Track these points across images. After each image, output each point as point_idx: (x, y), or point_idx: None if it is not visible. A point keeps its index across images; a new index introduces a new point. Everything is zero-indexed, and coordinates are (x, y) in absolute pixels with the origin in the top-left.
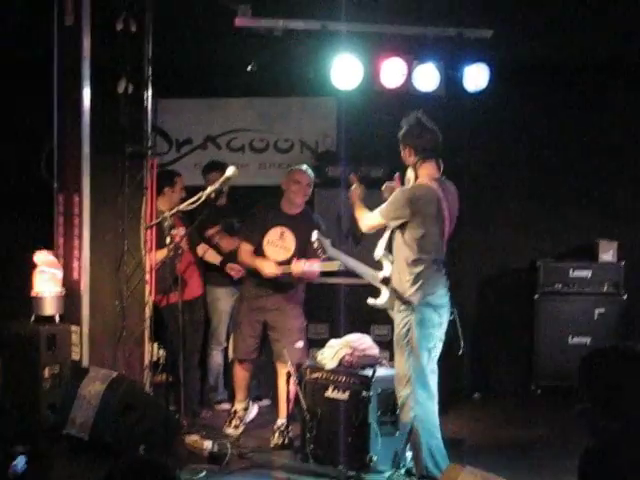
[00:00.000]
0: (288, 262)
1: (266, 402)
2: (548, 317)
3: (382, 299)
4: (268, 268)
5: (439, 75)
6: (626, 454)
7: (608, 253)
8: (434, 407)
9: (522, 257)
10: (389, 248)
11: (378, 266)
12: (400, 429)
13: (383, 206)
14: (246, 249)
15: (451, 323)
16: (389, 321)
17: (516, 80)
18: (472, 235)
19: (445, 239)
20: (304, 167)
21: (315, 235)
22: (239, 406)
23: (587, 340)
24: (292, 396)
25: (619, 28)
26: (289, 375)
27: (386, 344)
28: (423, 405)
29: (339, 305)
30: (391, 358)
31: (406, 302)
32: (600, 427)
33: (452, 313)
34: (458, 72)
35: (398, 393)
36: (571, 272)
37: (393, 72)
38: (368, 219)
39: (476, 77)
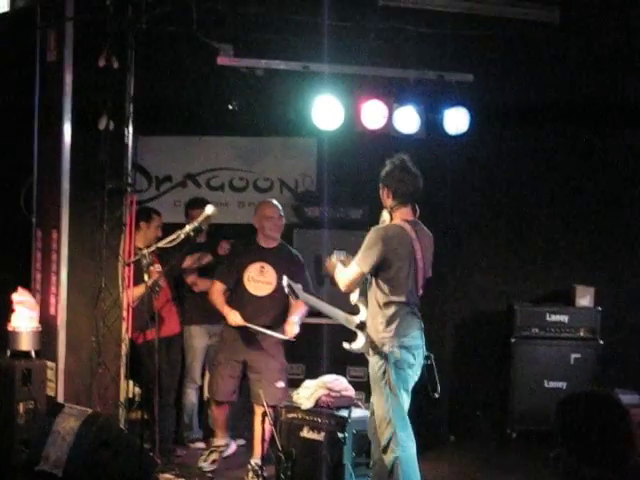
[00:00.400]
0: (270, 297)
1: (240, 442)
2: (524, 361)
3: (358, 343)
4: (233, 318)
5: (419, 118)
6: None
7: (585, 298)
8: (414, 448)
9: (500, 300)
10: (365, 293)
11: (354, 310)
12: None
13: (358, 254)
14: (218, 289)
15: (427, 367)
16: (365, 362)
17: (496, 124)
18: (450, 278)
19: (419, 282)
20: (272, 201)
21: (285, 280)
22: (220, 442)
23: (563, 385)
24: (267, 436)
25: (599, 72)
26: (265, 415)
27: (362, 385)
28: (404, 447)
29: (316, 346)
30: (367, 399)
31: (380, 345)
32: (575, 473)
33: (428, 357)
34: (438, 115)
35: (381, 435)
36: (548, 316)
37: (374, 114)
38: (346, 274)
39: (456, 120)
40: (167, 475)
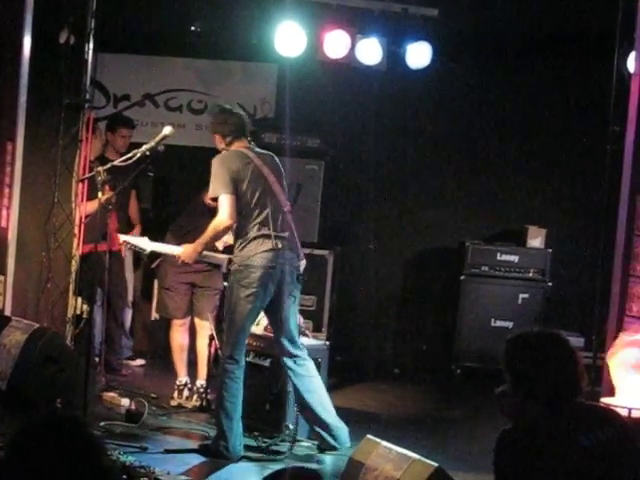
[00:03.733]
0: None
1: (140, 362)
2: (473, 298)
3: None
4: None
5: (382, 50)
6: (542, 437)
7: (536, 239)
8: (238, 371)
9: (451, 237)
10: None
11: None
12: None
13: (213, 186)
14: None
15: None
16: (314, 291)
17: (458, 59)
18: (403, 213)
19: (279, 196)
20: None
21: (121, 238)
22: (183, 379)
23: (509, 324)
24: (212, 358)
25: (563, 5)
26: (211, 337)
27: (310, 314)
28: (232, 366)
29: None
30: (314, 329)
31: (232, 264)
32: (519, 410)
33: (299, 277)
34: (401, 48)
35: (224, 343)
36: (498, 255)
37: (336, 43)
38: (221, 208)
39: (419, 55)
40: (111, 394)
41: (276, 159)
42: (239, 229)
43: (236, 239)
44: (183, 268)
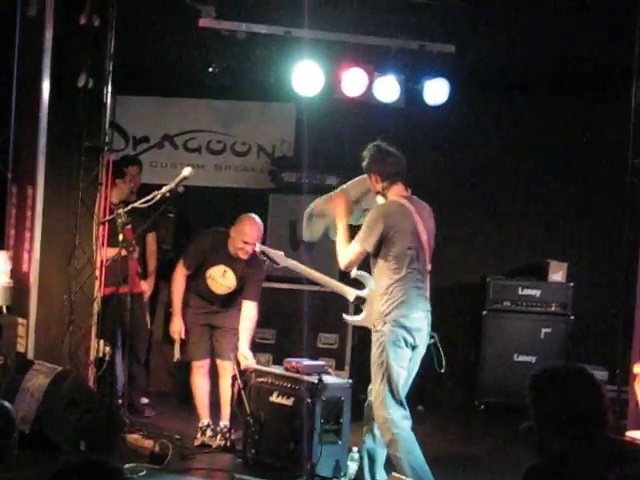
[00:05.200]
0: (230, 294)
1: (144, 400)
2: (495, 333)
3: (359, 317)
4: (173, 327)
5: (399, 87)
6: (569, 473)
7: (558, 274)
8: (409, 427)
9: (473, 272)
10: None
11: (356, 285)
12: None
13: (359, 233)
14: (182, 271)
15: (432, 345)
16: (336, 329)
17: (475, 96)
18: None
19: (427, 256)
20: (257, 223)
21: (258, 247)
22: (205, 420)
23: (532, 359)
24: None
25: (580, 40)
26: (234, 378)
27: (332, 352)
28: (400, 427)
29: (287, 311)
30: (337, 367)
31: (380, 323)
32: (545, 445)
33: (432, 337)
34: (418, 85)
35: (376, 417)
36: (520, 290)
37: (354, 81)
38: (347, 253)
39: (436, 91)
40: (134, 435)
41: (432, 213)
42: (391, 287)
43: (385, 294)
44: (200, 309)
